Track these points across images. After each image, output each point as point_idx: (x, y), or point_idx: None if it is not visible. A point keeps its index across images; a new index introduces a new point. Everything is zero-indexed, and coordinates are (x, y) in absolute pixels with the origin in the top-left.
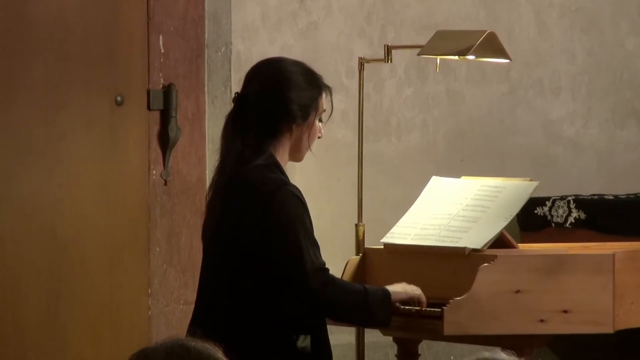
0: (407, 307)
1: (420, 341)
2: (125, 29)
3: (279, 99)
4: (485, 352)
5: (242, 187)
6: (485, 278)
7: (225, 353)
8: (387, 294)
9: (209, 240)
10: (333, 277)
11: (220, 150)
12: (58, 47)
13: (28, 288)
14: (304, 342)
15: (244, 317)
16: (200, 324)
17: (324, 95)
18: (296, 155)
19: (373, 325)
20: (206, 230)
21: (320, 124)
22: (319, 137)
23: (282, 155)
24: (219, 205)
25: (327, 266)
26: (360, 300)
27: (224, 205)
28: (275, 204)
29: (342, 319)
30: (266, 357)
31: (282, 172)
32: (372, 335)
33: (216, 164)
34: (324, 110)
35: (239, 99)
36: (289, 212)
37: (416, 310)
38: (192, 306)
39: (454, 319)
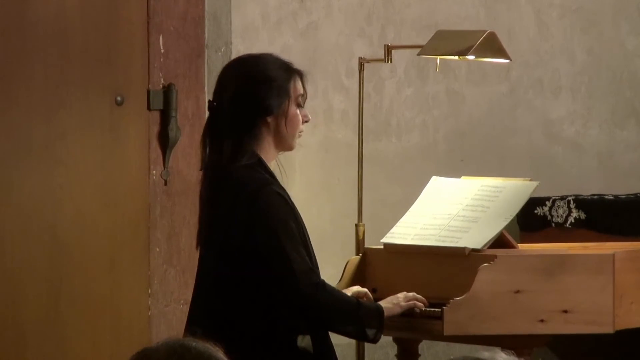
0: None
1: (420, 341)
2: (125, 29)
3: (246, 96)
4: (485, 352)
5: (226, 190)
6: (485, 278)
7: (226, 353)
8: (380, 310)
9: (203, 246)
10: (323, 281)
11: (201, 159)
12: (58, 47)
13: (28, 288)
14: (303, 341)
15: (240, 320)
16: (197, 325)
17: (296, 80)
18: (282, 145)
19: (363, 339)
20: (200, 237)
21: (301, 109)
22: (306, 122)
23: (266, 151)
24: (207, 211)
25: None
26: (351, 310)
27: (212, 211)
28: (258, 204)
29: (332, 325)
30: (266, 358)
31: (267, 170)
32: None
33: (200, 173)
34: (301, 95)
35: (211, 107)
36: (272, 212)
37: (416, 310)
38: None
39: (454, 319)
